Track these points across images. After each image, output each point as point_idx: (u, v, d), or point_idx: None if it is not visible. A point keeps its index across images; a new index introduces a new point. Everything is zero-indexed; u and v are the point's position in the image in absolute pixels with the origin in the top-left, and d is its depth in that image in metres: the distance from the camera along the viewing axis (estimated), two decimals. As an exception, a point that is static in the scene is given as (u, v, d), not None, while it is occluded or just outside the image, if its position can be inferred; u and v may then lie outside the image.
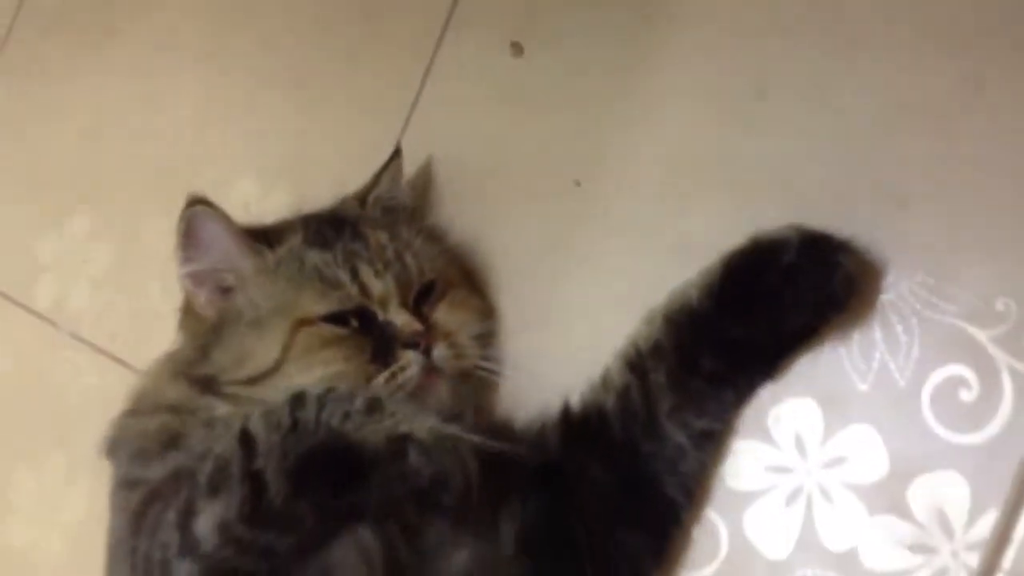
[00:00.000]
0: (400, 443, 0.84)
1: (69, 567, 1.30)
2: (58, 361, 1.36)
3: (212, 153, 1.31)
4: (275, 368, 0.98)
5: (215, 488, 0.86)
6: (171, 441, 0.97)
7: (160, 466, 0.95)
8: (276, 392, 0.94)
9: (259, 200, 1.24)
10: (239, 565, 0.86)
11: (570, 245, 1.07)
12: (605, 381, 0.96)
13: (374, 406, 0.86)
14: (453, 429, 0.86)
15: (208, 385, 1.01)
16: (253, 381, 0.99)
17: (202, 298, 1.04)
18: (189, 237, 1.01)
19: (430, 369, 0.98)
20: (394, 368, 0.96)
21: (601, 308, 1.03)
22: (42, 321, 1.38)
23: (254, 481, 0.84)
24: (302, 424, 0.85)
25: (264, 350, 0.99)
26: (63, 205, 1.39)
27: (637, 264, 1.02)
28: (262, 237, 1.04)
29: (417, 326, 0.99)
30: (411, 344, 0.98)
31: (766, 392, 0.93)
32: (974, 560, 0.85)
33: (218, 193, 1.03)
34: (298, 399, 0.87)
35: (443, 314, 1.03)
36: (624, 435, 0.93)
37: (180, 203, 1.28)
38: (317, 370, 0.97)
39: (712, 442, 0.94)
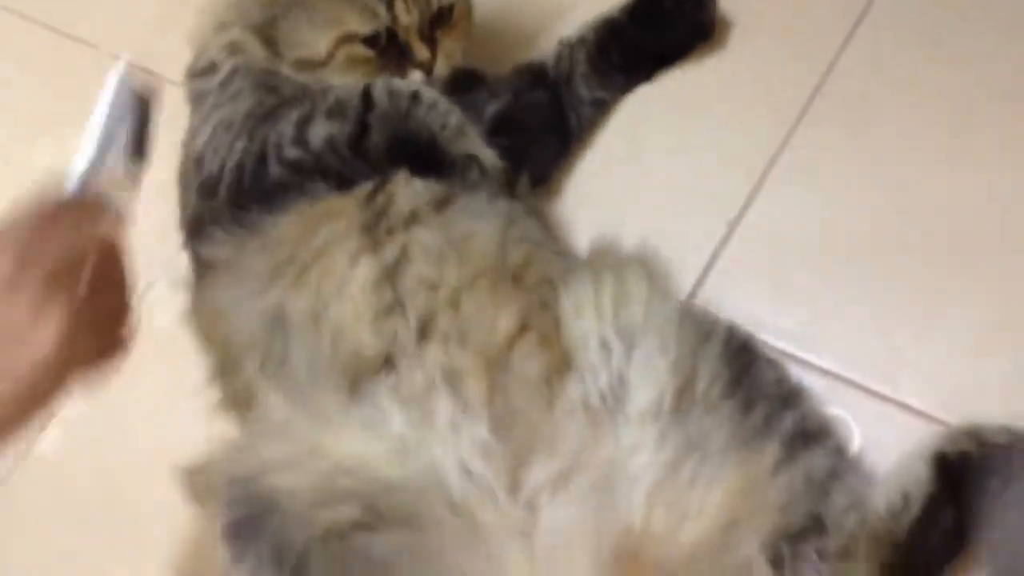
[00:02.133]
0: (469, 161, 1.22)
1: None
2: (96, 71, 1.58)
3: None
4: (318, 65, 1.28)
5: (331, 114, 1.20)
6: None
7: (288, 85, 1.27)
8: (314, 80, 1.27)
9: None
10: (336, 168, 1.19)
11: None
12: (547, 53, 1.43)
13: (462, 127, 1.23)
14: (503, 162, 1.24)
15: (271, 44, 1.29)
16: (300, 65, 1.29)
17: None
18: None
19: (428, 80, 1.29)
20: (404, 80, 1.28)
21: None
22: (82, 44, 1.68)
23: (363, 127, 1.19)
24: (412, 117, 1.21)
25: (313, 47, 1.28)
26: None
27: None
28: None
29: (426, 55, 1.29)
30: (419, 66, 1.30)
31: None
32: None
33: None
34: (415, 97, 1.21)
35: (450, 40, 1.32)
36: (554, 81, 1.40)
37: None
38: (349, 78, 1.26)
39: (602, 108, 1.42)
